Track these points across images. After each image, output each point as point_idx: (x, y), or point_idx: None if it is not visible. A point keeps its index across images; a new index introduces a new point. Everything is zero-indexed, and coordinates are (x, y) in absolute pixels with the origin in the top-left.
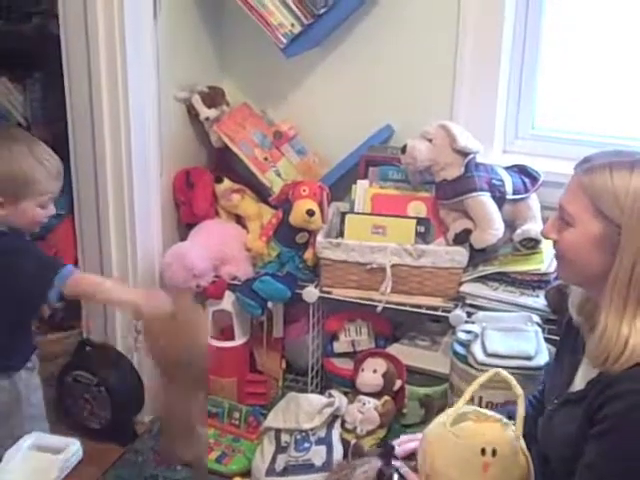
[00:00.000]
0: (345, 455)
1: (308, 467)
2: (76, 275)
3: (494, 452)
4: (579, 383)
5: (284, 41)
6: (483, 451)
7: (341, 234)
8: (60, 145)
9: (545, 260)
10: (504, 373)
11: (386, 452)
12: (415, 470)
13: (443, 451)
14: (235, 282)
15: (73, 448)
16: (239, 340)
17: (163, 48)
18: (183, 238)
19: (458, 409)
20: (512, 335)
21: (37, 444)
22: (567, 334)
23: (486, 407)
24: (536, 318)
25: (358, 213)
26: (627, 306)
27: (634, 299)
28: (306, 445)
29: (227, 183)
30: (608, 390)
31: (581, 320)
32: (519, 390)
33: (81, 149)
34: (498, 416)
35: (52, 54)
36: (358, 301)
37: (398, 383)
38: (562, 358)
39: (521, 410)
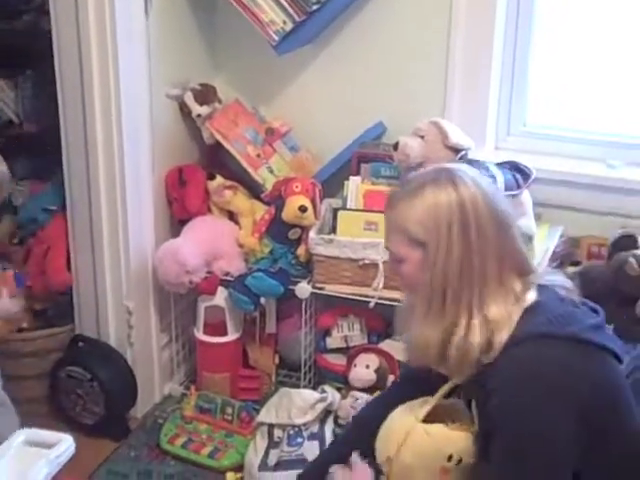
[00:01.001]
0: None
1: (301, 462)
2: None
3: (459, 461)
4: None
5: (276, 38)
6: (450, 457)
7: (333, 230)
8: (52, 142)
9: (537, 256)
10: None
11: None
12: None
13: (411, 442)
14: (228, 278)
15: (66, 443)
16: (232, 336)
17: (155, 45)
18: (175, 235)
19: (432, 404)
20: None
21: (29, 440)
22: None
23: None
24: None
25: (350, 209)
26: (445, 314)
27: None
28: (299, 440)
29: (219, 180)
30: (480, 393)
31: None
32: None
33: (73, 146)
34: (469, 422)
35: (44, 51)
36: (351, 297)
37: (391, 378)
38: None
39: None
